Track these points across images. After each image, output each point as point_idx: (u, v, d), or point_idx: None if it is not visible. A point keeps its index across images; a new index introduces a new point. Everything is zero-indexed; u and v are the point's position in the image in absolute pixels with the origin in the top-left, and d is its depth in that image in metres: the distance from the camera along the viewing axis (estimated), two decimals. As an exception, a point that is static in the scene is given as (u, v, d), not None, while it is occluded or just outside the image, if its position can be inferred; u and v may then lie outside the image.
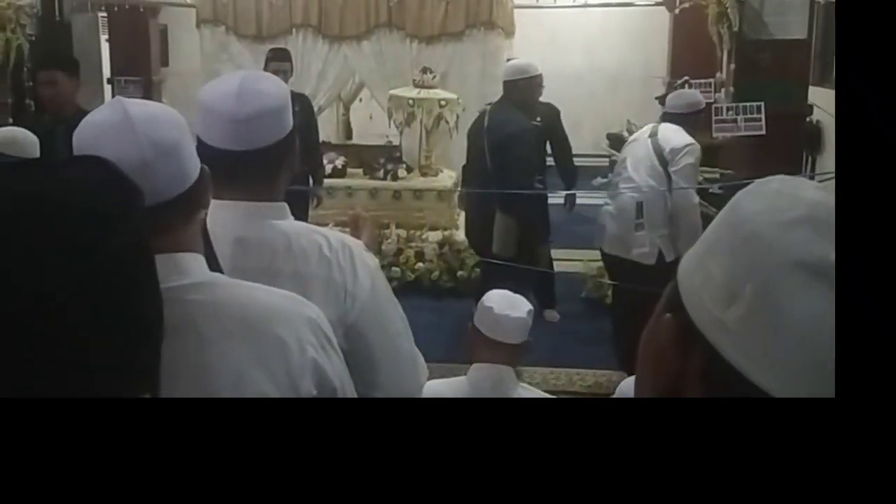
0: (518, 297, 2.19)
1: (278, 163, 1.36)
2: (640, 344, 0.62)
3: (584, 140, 4.45)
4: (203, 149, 1.27)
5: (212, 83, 1.35)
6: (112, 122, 0.99)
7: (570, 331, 4.66)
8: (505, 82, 4.32)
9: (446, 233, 5.74)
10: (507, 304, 2.12)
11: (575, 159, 5.02)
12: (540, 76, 4.37)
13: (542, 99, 4.94)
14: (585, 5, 7.90)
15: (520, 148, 4.12)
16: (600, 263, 4.50)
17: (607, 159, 6.72)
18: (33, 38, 5.56)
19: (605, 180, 5.00)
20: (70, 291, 0.50)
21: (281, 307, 1.09)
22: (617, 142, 6.27)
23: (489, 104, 4.39)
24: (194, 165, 1.06)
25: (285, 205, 1.40)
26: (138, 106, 1.03)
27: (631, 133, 4.94)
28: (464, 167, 4.87)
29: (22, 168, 0.59)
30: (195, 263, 1.06)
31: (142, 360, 0.61)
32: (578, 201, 5.11)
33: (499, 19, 6.23)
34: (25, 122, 4.23)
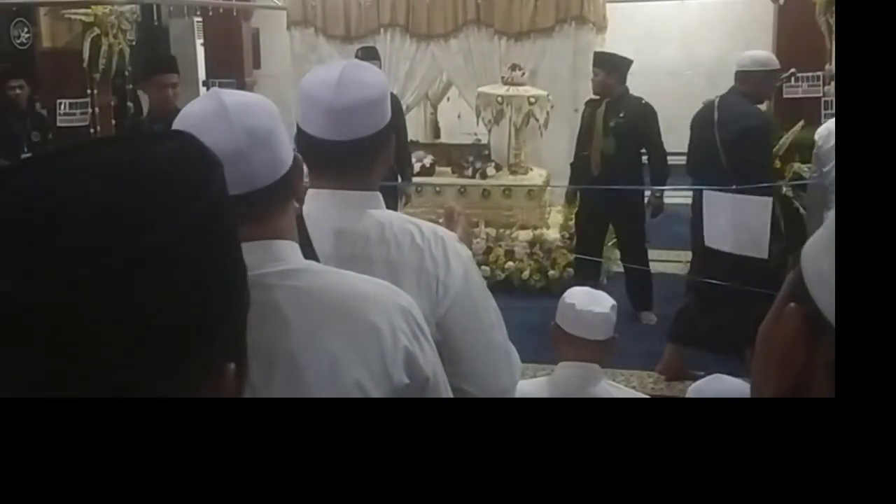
0: (600, 292, 2.18)
1: (375, 153, 1.37)
2: (758, 340, 0.58)
3: (682, 137, 4.29)
4: (302, 137, 1.33)
5: (313, 71, 1.37)
6: (207, 112, 1.03)
7: (666, 334, 4.52)
8: (740, 72, 4.10)
9: (536, 232, 5.69)
10: (589, 300, 2.10)
11: (673, 157, 4.88)
12: (779, 70, 4.23)
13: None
14: (682, -3, 7.68)
15: (763, 141, 4.00)
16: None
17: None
18: (133, 43, 5.77)
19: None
20: (159, 251, 0.54)
21: (374, 294, 1.10)
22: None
23: (717, 97, 4.17)
24: (287, 154, 1.09)
25: (379, 194, 1.42)
26: (233, 96, 1.06)
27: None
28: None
29: (115, 142, 0.63)
30: (290, 250, 1.09)
31: (227, 322, 0.62)
32: (675, 200, 4.96)
33: (590, 14, 6.12)
34: (126, 123, 4.45)
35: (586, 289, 2.20)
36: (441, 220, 1.65)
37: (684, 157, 4.29)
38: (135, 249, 0.52)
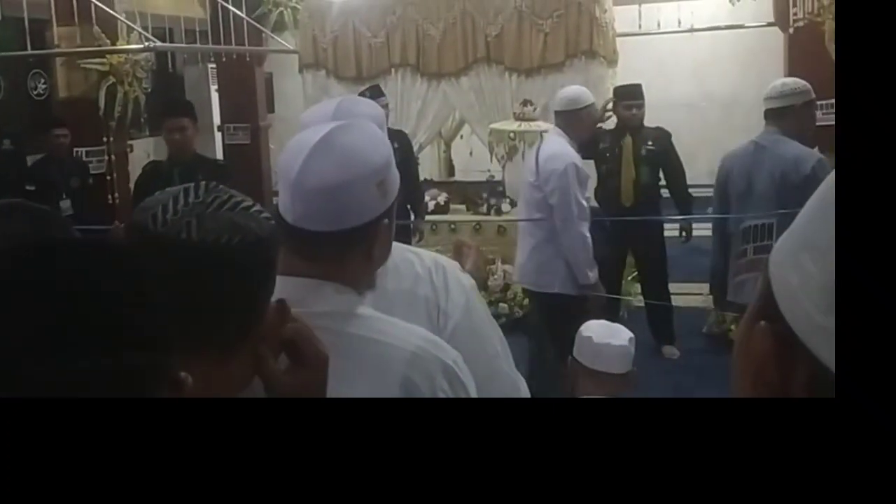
0: (618, 325, 2.17)
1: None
2: (733, 351, 0.56)
3: (699, 170, 4.32)
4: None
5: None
6: (311, 139, 1.10)
7: (690, 368, 4.53)
8: (777, 109, 3.57)
9: None
10: (606, 333, 2.10)
11: (690, 190, 4.93)
12: (815, 99, 3.67)
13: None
14: (692, 30, 7.78)
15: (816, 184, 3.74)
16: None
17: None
18: (148, 91, 5.89)
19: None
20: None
21: (417, 348, 1.09)
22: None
23: (754, 140, 3.68)
24: (365, 209, 1.11)
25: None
26: (345, 135, 1.12)
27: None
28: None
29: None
30: (333, 293, 1.11)
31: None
32: (695, 232, 4.98)
33: (600, 48, 6.15)
34: (147, 167, 4.53)
35: (604, 322, 2.20)
36: (451, 255, 1.63)
37: (701, 189, 4.29)
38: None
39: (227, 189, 0.96)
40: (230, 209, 0.92)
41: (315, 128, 1.14)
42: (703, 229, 5.13)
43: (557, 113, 3.93)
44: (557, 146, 3.79)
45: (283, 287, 1.08)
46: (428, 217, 5.85)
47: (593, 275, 3.72)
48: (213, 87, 7.92)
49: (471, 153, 7.17)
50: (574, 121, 3.85)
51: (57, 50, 5.84)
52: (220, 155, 6.96)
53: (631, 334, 2.15)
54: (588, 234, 3.71)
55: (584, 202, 3.74)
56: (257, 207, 0.96)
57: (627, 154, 4.80)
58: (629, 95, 4.86)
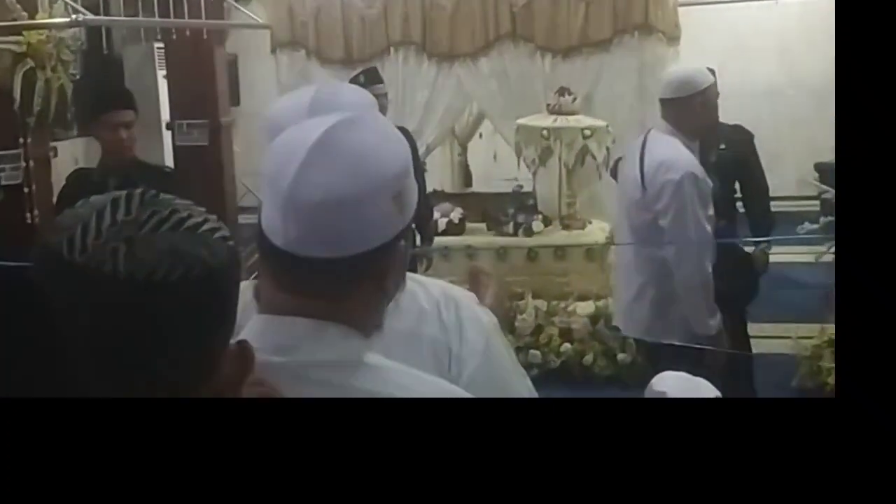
0: (699, 378, 2.15)
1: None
2: None
3: (785, 176, 4.29)
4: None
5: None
6: (305, 143, 1.10)
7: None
8: (666, 101, 3.80)
9: (600, 303, 5.68)
10: (685, 388, 2.05)
11: (775, 203, 4.90)
12: None
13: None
14: (777, -2, 7.78)
15: None
16: (816, 341, 4.32)
17: (817, 199, 6.52)
18: (77, 78, 5.82)
19: (815, 225, 4.80)
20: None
21: None
22: (829, 174, 6.05)
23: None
24: (380, 230, 1.11)
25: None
26: (345, 129, 1.11)
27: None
28: None
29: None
30: (341, 339, 1.12)
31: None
32: (779, 258, 4.95)
33: (658, 21, 6.18)
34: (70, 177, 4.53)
35: (681, 374, 2.17)
36: (467, 286, 1.64)
37: (788, 203, 4.25)
38: None
39: (170, 200, 0.95)
40: (172, 229, 0.91)
41: (310, 123, 1.13)
42: (788, 253, 5.08)
43: (664, 102, 3.79)
44: (669, 149, 3.66)
45: (273, 329, 1.10)
46: (438, 239, 5.86)
47: (714, 323, 3.67)
48: (161, 73, 7.82)
49: (494, 157, 7.18)
50: (688, 112, 3.71)
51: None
52: (169, 161, 6.81)
53: (716, 391, 2.13)
54: (709, 269, 3.65)
55: (708, 225, 3.64)
56: (211, 225, 0.96)
57: None
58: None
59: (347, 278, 1.12)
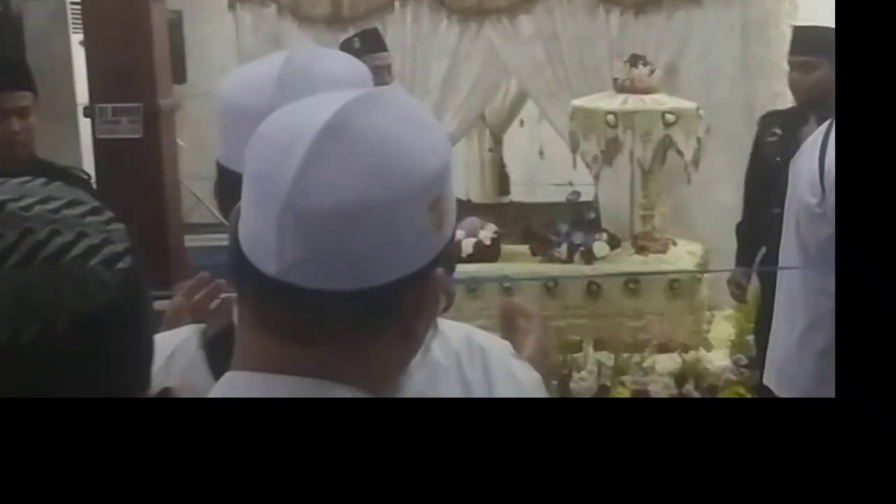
0: None
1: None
2: None
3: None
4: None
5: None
6: (308, 130, 1.01)
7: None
8: None
9: (688, 355, 5.01)
10: None
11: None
12: None
13: None
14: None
15: None
16: None
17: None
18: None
19: None
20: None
21: None
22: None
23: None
24: (400, 256, 1.02)
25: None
26: (362, 110, 1.02)
27: None
28: None
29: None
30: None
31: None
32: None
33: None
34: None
35: None
36: (501, 332, 1.60)
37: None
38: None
39: (49, 213, 0.82)
40: (49, 262, 0.79)
41: (312, 102, 1.03)
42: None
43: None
44: None
45: (258, 392, 1.00)
46: (461, 267, 5.01)
47: None
48: (77, 39, 6.96)
49: (540, 152, 6.77)
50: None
51: None
52: (87, 159, 6.22)
53: None
54: None
55: None
56: (112, 249, 0.83)
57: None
58: (799, 46, 4.37)
59: (364, 320, 1.02)
